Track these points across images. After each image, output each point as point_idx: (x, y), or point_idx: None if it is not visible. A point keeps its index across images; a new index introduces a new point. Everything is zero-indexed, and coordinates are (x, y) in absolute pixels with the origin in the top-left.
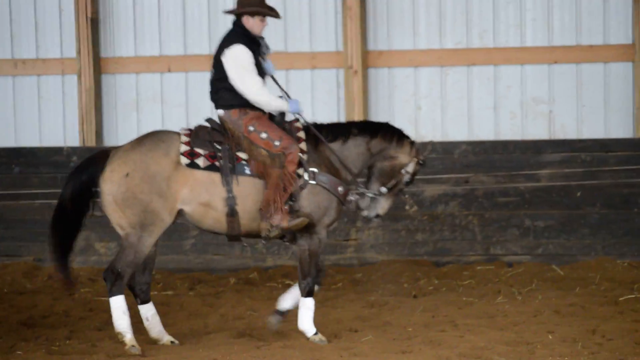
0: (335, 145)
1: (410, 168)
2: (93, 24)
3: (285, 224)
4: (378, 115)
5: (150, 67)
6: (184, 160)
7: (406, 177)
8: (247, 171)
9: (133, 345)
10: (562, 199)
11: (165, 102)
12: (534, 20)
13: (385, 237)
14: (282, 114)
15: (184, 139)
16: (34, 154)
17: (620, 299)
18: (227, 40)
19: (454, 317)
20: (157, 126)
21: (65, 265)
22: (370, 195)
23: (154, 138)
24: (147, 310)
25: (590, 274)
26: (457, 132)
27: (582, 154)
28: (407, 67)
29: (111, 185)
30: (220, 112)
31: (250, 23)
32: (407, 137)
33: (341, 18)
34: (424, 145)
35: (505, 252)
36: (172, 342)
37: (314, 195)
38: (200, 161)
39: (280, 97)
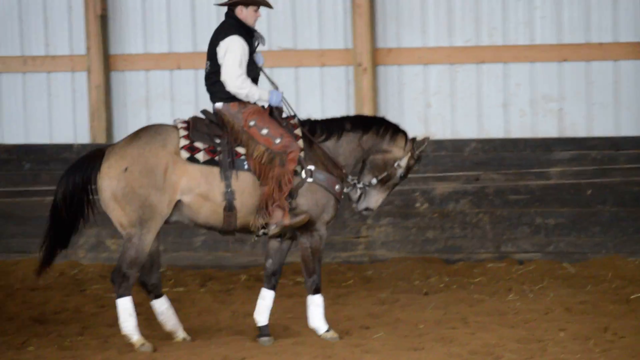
0: (330, 143)
1: (404, 162)
2: (102, 21)
3: (287, 221)
4: (387, 112)
5: (159, 64)
6: (185, 154)
7: (400, 171)
8: (246, 166)
9: (142, 344)
10: (573, 197)
11: (174, 99)
12: (544, 17)
13: (396, 234)
14: (279, 110)
15: (182, 132)
16: (44, 151)
17: (632, 296)
18: (223, 31)
19: (465, 315)
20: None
21: (49, 260)
22: (360, 186)
23: (150, 131)
24: (161, 305)
25: (601, 271)
26: (467, 129)
27: (592, 152)
28: (416, 64)
29: (109, 181)
30: (219, 104)
31: (244, 14)
32: (401, 132)
33: (350, 15)
34: (421, 140)
35: (516, 250)
36: (184, 338)
37: (312, 192)
38: (200, 156)
39: (275, 88)
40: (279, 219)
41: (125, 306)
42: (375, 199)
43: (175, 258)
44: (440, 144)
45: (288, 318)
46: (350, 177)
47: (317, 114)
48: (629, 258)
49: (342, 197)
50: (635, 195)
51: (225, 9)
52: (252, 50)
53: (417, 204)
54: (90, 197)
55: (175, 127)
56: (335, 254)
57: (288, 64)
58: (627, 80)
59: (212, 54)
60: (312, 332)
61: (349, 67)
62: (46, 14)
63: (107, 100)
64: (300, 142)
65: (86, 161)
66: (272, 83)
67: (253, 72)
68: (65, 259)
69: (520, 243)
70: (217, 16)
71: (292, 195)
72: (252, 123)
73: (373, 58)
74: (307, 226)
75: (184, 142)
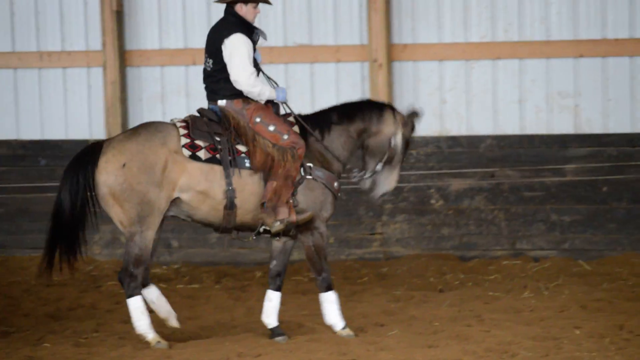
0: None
1: (399, 137)
2: (118, 17)
3: (293, 217)
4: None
5: (174, 60)
6: (186, 152)
7: (399, 146)
8: (247, 164)
9: (158, 342)
10: (589, 194)
11: (190, 95)
12: (560, 13)
13: (411, 231)
14: (277, 107)
15: (182, 130)
16: (59, 146)
17: None
18: (226, 29)
19: (480, 312)
20: None
21: (51, 261)
22: (367, 176)
23: (150, 128)
24: (150, 293)
25: (617, 269)
26: (483, 126)
27: (608, 148)
28: (432, 60)
29: (107, 176)
30: (222, 102)
31: (244, 10)
32: (386, 108)
33: (366, 11)
34: (411, 111)
35: (531, 247)
36: (176, 326)
37: (311, 190)
38: (202, 154)
39: (277, 85)
40: (285, 215)
41: (136, 305)
42: (388, 181)
43: (191, 255)
44: (455, 141)
45: (302, 315)
46: (355, 171)
47: (294, 107)
48: None
49: (339, 194)
50: None
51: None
52: (253, 47)
53: (432, 201)
54: (93, 194)
55: (174, 125)
56: (350, 251)
57: (303, 59)
58: None
59: (213, 52)
60: (327, 329)
61: (365, 63)
62: (62, 10)
63: (123, 95)
64: (303, 142)
65: (84, 157)
66: (271, 80)
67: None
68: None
69: (535, 240)
70: None
71: (292, 192)
72: (258, 119)
73: (388, 54)
74: (307, 225)
75: (185, 140)
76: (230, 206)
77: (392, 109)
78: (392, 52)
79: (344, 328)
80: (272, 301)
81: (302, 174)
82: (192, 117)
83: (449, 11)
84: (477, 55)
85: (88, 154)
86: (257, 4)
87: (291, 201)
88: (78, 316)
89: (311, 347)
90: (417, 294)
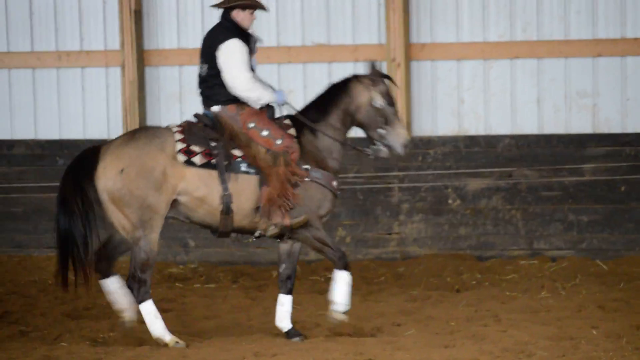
0: (312, 138)
1: (378, 98)
2: (136, 16)
3: (287, 221)
4: (421, 108)
5: (193, 60)
6: (181, 158)
7: (385, 105)
8: (243, 168)
9: (177, 342)
10: (607, 194)
11: None
12: (578, 12)
13: (428, 231)
14: (272, 110)
15: (178, 135)
16: (77, 146)
17: None
18: (221, 35)
19: (497, 312)
20: None
21: (65, 270)
22: (378, 147)
23: (147, 133)
24: (112, 283)
25: (634, 269)
26: (501, 125)
27: (626, 148)
28: (450, 60)
29: (105, 181)
30: (216, 107)
31: (241, 17)
32: (351, 80)
33: (384, 10)
34: (370, 67)
35: (548, 247)
36: (131, 320)
37: (306, 190)
38: (197, 159)
39: (272, 88)
40: (279, 219)
41: (148, 310)
42: (399, 135)
43: (207, 254)
44: (473, 140)
45: (319, 315)
46: (365, 149)
47: (297, 106)
48: None
49: (339, 192)
50: None
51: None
52: (249, 53)
53: (450, 201)
54: (91, 199)
55: (170, 130)
56: (367, 251)
57: (321, 59)
58: None
59: (208, 57)
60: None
61: (383, 62)
62: (81, 10)
63: (141, 95)
64: (296, 145)
65: (82, 163)
66: (270, 86)
67: None
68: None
69: (553, 240)
70: None
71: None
72: (251, 125)
73: (407, 53)
74: (303, 224)
75: (180, 145)
76: (227, 211)
77: (356, 77)
78: (410, 52)
79: (344, 312)
80: (285, 305)
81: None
82: (188, 122)
83: (467, 10)
84: (496, 55)
85: (86, 160)
86: (254, 10)
87: (288, 205)
88: (95, 315)
89: (328, 347)
90: (434, 294)
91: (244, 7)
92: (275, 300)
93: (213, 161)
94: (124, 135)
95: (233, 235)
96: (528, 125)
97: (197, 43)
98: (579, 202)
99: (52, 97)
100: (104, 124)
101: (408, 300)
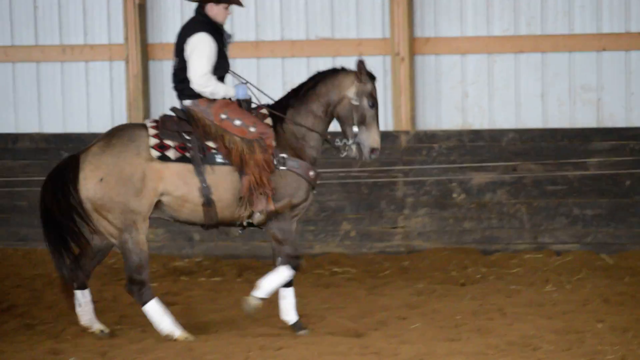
0: (290, 125)
1: (360, 94)
2: (140, 10)
3: (272, 207)
4: (425, 102)
5: None
6: (155, 153)
7: (365, 102)
8: (219, 159)
9: (186, 337)
10: (611, 188)
11: None
12: (583, 7)
13: (433, 225)
14: (248, 102)
15: (152, 131)
16: (82, 140)
17: None
18: (191, 28)
19: (502, 306)
20: None
21: (63, 268)
22: (350, 143)
23: (123, 138)
24: (82, 297)
25: (639, 263)
26: (505, 119)
27: (631, 142)
28: (454, 54)
29: (87, 192)
30: (187, 101)
31: (215, 11)
32: (338, 72)
33: (388, 4)
34: (358, 63)
35: (553, 241)
36: (101, 330)
37: (281, 177)
38: (171, 153)
39: (244, 83)
40: (264, 206)
41: (153, 309)
42: (371, 138)
43: (212, 248)
44: (477, 134)
45: (325, 308)
46: (337, 140)
47: (262, 100)
48: None
49: (318, 182)
50: None
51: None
52: (221, 48)
53: (454, 195)
54: (74, 206)
55: (145, 127)
56: (372, 245)
57: (325, 53)
58: None
59: (179, 51)
60: (349, 321)
61: (387, 56)
62: (85, 3)
63: (145, 89)
64: (272, 131)
65: (62, 172)
66: (241, 80)
67: (222, 69)
68: None
69: (557, 234)
70: (255, 7)
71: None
72: (223, 116)
73: (411, 47)
74: (275, 213)
75: (154, 140)
76: (208, 203)
77: (344, 70)
78: (415, 46)
79: (258, 299)
80: (287, 298)
81: (275, 163)
82: (163, 116)
83: (472, 4)
84: (500, 49)
85: (66, 169)
86: (229, 5)
87: (269, 190)
88: (100, 309)
89: (333, 341)
90: (439, 288)
91: (217, 1)
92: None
93: (188, 155)
94: (100, 140)
95: (220, 227)
96: (532, 119)
97: None
98: (583, 196)
99: (56, 91)
100: (108, 118)
101: (413, 294)
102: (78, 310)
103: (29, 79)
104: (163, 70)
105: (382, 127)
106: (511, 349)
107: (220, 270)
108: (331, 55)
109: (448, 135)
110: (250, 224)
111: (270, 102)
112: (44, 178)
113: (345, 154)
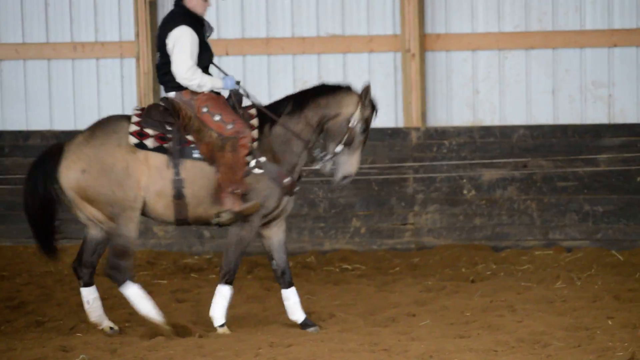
0: (279, 129)
1: (357, 117)
2: (151, 7)
3: (237, 207)
4: (436, 98)
5: None
6: (132, 140)
7: (359, 127)
8: (196, 155)
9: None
10: (622, 184)
11: None
12: (594, 3)
13: (443, 221)
14: (238, 98)
15: (135, 119)
16: None
17: None
18: (172, 21)
19: (512, 302)
20: None
21: (49, 247)
22: (327, 159)
23: (106, 129)
24: (89, 294)
25: None
26: (516, 116)
27: None
28: (465, 50)
29: (69, 182)
30: (172, 94)
31: (193, 3)
32: (343, 90)
33: (399, 1)
34: (364, 88)
35: (564, 237)
36: (111, 327)
37: (255, 181)
38: (149, 142)
39: (227, 76)
40: (230, 205)
41: (131, 291)
42: (349, 163)
43: (222, 245)
44: (488, 131)
45: (335, 305)
46: (317, 151)
47: (255, 96)
48: None
49: (295, 190)
50: None
51: None
52: (202, 40)
53: (465, 191)
54: (56, 197)
55: (129, 118)
56: (382, 241)
57: (336, 50)
58: None
59: (161, 45)
60: (358, 319)
61: (397, 53)
62: (96, 1)
63: (156, 86)
64: (255, 133)
65: (45, 160)
66: (223, 72)
67: (204, 61)
68: None
69: (568, 230)
70: (266, 3)
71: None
72: (205, 109)
73: (421, 44)
74: (243, 216)
75: (134, 127)
76: (179, 196)
77: (349, 89)
78: (425, 42)
79: (221, 326)
80: (290, 299)
81: (252, 166)
82: (150, 105)
83: (483, 1)
84: (511, 45)
85: (50, 157)
86: None
87: (238, 191)
88: (110, 306)
89: (343, 337)
90: (449, 284)
91: None
92: None
93: (166, 145)
94: (85, 130)
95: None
96: (543, 115)
97: (211, 34)
98: (594, 193)
99: (67, 88)
100: None
101: (423, 291)
102: (87, 307)
103: (40, 76)
104: None
105: (392, 124)
106: (521, 345)
107: None
108: (342, 52)
109: (458, 131)
110: (218, 224)
111: (257, 100)
112: None
113: (319, 166)
